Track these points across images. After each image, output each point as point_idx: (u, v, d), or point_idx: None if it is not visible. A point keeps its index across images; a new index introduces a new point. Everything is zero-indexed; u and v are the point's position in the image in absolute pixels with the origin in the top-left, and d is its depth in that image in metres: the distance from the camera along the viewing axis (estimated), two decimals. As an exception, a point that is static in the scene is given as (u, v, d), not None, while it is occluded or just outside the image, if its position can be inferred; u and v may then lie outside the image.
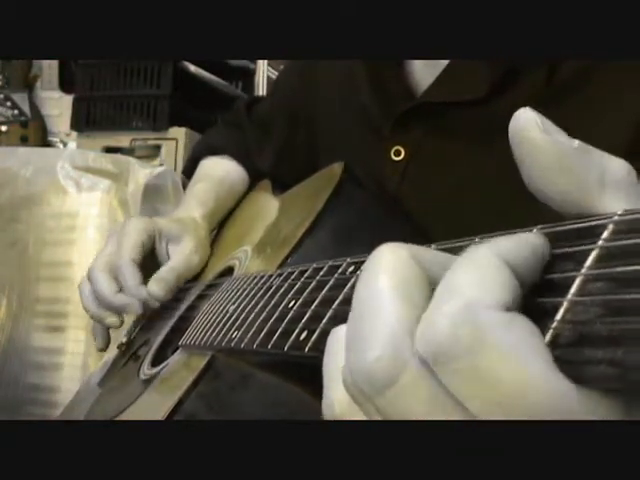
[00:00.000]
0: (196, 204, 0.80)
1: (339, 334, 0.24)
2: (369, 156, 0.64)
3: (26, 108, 1.92)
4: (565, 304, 0.18)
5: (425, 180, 0.60)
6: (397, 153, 0.62)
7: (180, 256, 0.72)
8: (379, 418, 0.21)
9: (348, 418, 0.23)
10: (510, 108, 0.22)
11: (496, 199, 0.53)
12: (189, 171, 0.90)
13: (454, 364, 0.19)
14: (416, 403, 0.20)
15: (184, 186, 0.91)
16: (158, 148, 1.69)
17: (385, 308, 0.20)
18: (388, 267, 0.21)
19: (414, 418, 0.20)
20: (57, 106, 2.00)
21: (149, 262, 0.71)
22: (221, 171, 0.85)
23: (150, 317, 0.79)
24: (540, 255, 0.20)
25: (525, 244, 0.20)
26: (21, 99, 1.92)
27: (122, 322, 0.71)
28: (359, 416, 0.22)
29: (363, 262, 0.32)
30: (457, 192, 0.58)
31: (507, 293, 0.19)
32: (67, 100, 1.89)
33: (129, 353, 0.74)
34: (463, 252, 0.20)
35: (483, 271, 0.19)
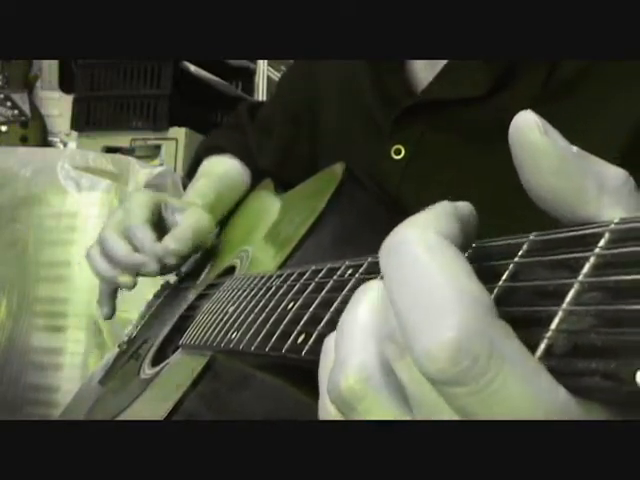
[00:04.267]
0: (196, 196, 0.80)
1: (331, 343, 0.24)
2: (370, 155, 0.64)
3: (26, 108, 1.92)
4: (560, 313, 0.18)
5: (425, 178, 0.60)
6: (397, 152, 0.62)
7: (190, 218, 0.72)
8: None
9: None
10: (509, 105, 0.22)
11: (497, 196, 0.53)
12: (191, 172, 0.90)
13: (462, 389, 0.18)
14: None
15: (184, 186, 0.91)
16: (158, 148, 1.69)
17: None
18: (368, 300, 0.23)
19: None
20: (57, 106, 2.00)
21: (158, 231, 0.71)
22: (222, 168, 0.85)
23: (151, 316, 0.79)
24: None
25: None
26: (21, 99, 1.92)
27: (135, 283, 0.71)
28: None
29: (361, 265, 0.32)
30: (458, 190, 0.58)
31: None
32: (67, 100, 1.90)
33: (130, 352, 0.74)
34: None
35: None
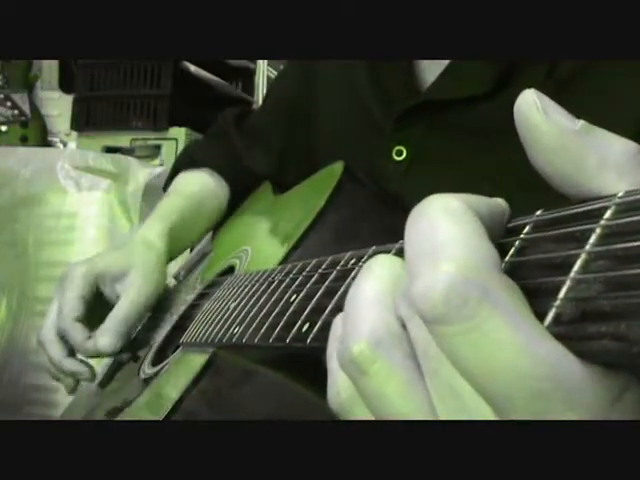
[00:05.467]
0: (157, 219, 0.77)
1: (340, 320, 0.25)
2: (370, 156, 0.64)
3: (26, 108, 1.92)
4: (568, 282, 0.18)
5: (428, 179, 0.60)
6: (399, 153, 0.62)
7: (125, 299, 0.69)
8: (372, 394, 0.22)
9: (354, 405, 0.23)
10: (511, 104, 0.22)
11: (501, 196, 0.53)
12: (167, 185, 0.88)
13: (451, 327, 0.19)
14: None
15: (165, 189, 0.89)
16: (158, 148, 1.69)
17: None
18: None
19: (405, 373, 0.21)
20: (57, 106, 2.00)
21: (99, 307, 0.70)
22: (193, 186, 0.83)
23: (150, 318, 0.79)
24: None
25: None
26: (21, 99, 1.92)
27: (76, 386, 0.71)
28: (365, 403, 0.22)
29: (365, 255, 0.32)
30: (461, 190, 0.58)
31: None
32: (67, 100, 1.89)
33: (129, 354, 0.74)
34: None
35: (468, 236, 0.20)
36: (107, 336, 0.66)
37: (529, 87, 0.22)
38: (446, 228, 0.20)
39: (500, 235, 0.23)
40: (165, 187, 0.89)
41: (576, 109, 0.23)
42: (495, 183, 0.54)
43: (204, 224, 0.83)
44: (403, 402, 0.21)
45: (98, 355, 0.68)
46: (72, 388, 0.71)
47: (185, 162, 0.87)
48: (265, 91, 2.02)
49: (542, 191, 0.23)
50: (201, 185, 0.83)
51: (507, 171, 0.51)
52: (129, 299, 0.69)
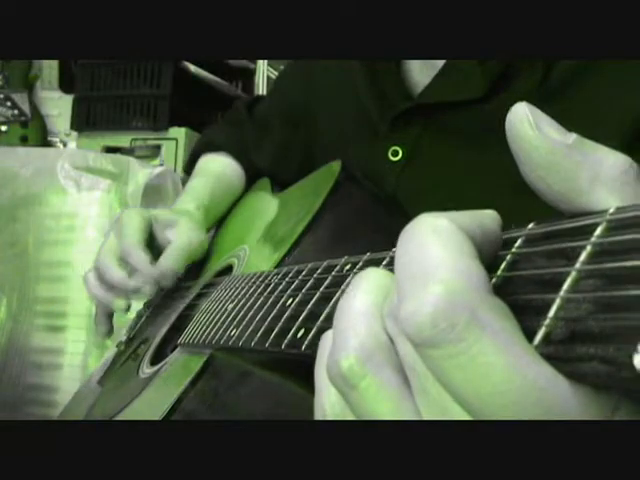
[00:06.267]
0: (191, 199, 0.81)
1: (329, 337, 0.24)
2: (367, 156, 0.64)
3: (26, 108, 1.92)
4: (558, 301, 0.18)
5: (423, 180, 0.60)
6: (394, 153, 0.62)
7: (181, 236, 0.72)
8: (362, 408, 0.22)
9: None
10: (507, 107, 0.22)
11: (494, 198, 0.53)
12: (189, 167, 0.91)
13: (438, 351, 0.18)
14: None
15: (184, 185, 0.92)
16: (158, 148, 1.69)
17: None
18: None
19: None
20: (57, 106, 2.00)
21: (150, 249, 0.72)
22: (219, 167, 0.86)
23: (149, 316, 0.79)
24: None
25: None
26: (21, 99, 1.92)
27: (129, 307, 0.73)
28: (350, 419, 0.22)
29: (360, 261, 0.32)
30: (456, 191, 0.58)
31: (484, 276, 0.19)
32: (67, 100, 1.90)
33: (128, 352, 0.74)
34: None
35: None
36: (171, 258, 0.69)
37: (524, 90, 0.22)
38: (434, 250, 0.19)
39: (496, 250, 0.22)
40: (186, 169, 0.93)
41: (572, 111, 0.23)
42: (489, 185, 0.55)
43: (230, 203, 0.86)
44: (393, 417, 0.21)
45: (157, 282, 0.70)
46: (126, 309, 0.72)
47: (204, 146, 0.90)
48: (265, 91, 2.03)
49: (534, 195, 0.23)
50: (225, 166, 0.86)
51: (501, 173, 0.51)
52: (184, 235, 0.72)
